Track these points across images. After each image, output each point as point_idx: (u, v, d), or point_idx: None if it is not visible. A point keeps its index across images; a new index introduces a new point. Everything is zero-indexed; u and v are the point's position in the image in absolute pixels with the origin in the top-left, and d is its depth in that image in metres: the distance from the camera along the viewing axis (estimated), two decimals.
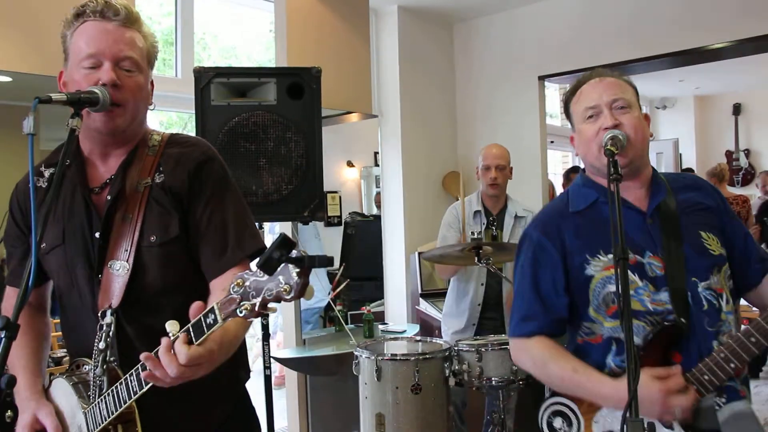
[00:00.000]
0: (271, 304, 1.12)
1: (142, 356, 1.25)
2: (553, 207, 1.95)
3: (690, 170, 8.67)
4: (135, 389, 1.34)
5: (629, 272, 1.69)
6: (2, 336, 1.15)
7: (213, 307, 1.20)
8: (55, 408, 1.54)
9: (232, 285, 1.16)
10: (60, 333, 2.77)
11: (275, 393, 3.11)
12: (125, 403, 1.37)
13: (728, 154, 9.49)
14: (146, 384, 1.31)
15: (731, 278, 1.79)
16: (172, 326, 1.25)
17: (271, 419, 2.94)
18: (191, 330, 1.23)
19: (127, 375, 1.36)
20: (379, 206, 6.16)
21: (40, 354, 1.65)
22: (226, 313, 1.18)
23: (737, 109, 9.44)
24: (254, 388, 1.81)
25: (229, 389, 1.65)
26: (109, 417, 1.41)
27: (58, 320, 1.70)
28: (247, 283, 1.14)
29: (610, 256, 1.69)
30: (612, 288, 1.73)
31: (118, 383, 1.39)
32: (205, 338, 1.23)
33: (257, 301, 1.12)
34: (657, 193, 1.80)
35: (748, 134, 9.44)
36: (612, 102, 1.75)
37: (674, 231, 1.75)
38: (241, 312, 1.14)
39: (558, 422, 1.77)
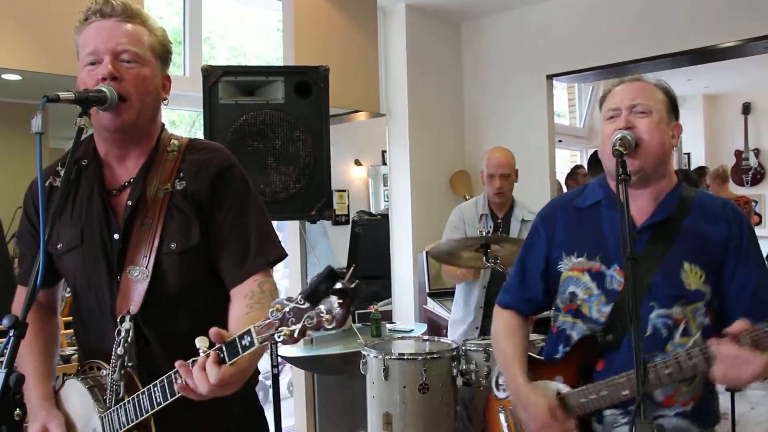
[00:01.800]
0: (309, 332, 1.13)
1: (177, 364, 1.26)
2: (566, 195, 2.05)
3: (702, 168, 8.63)
4: (158, 400, 1.35)
5: (589, 278, 1.80)
6: (11, 334, 1.15)
7: (250, 330, 1.20)
8: (65, 413, 1.54)
9: (271, 310, 1.16)
10: (69, 331, 2.79)
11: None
12: (147, 412, 1.38)
13: (737, 154, 9.43)
14: (171, 396, 1.32)
15: (708, 316, 1.74)
16: (201, 342, 1.25)
17: (279, 418, 2.95)
18: (224, 350, 1.24)
19: (150, 385, 1.36)
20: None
21: (51, 357, 1.64)
22: (263, 338, 1.19)
23: (747, 109, 9.37)
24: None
25: (242, 391, 1.65)
26: (128, 424, 1.41)
27: (66, 318, 1.70)
28: (287, 309, 1.15)
29: (581, 259, 1.82)
30: (572, 289, 1.84)
31: (139, 392, 1.39)
32: (238, 359, 1.24)
33: (297, 327, 1.14)
34: (661, 211, 1.77)
35: (757, 133, 9.37)
36: (632, 106, 1.76)
37: (657, 252, 1.74)
38: (279, 337, 1.15)
39: (503, 380, 2.05)
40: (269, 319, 1.17)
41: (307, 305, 1.12)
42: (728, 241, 1.74)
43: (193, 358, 1.26)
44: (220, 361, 1.23)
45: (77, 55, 1.53)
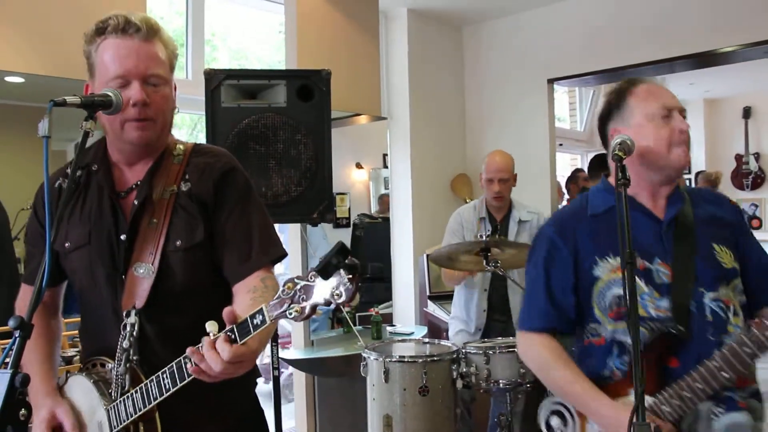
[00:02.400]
0: (320, 308, 1.16)
1: (188, 350, 1.29)
2: (572, 208, 2.01)
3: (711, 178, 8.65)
4: (168, 386, 1.38)
5: (637, 277, 1.72)
6: (16, 335, 1.17)
7: (261, 309, 1.24)
8: (71, 405, 1.57)
9: (282, 288, 1.20)
10: (71, 332, 2.81)
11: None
12: (155, 399, 1.41)
13: (738, 158, 9.44)
14: (181, 381, 1.35)
15: (743, 293, 1.79)
16: (212, 326, 1.28)
17: (279, 420, 2.96)
18: (235, 330, 1.27)
19: (159, 372, 1.39)
20: (382, 210, 6.17)
21: (54, 355, 1.68)
22: (275, 315, 1.21)
23: (747, 113, 9.38)
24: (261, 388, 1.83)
25: (243, 391, 1.68)
26: (135, 414, 1.45)
27: (68, 319, 1.72)
28: (298, 287, 1.18)
29: (618, 259, 1.76)
30: (617, 291, 1.76)
31: (147, 381, 1.43)
32: (249, 338, 1.26)
33: (307, 304, 1.17)
34: (676, 202, 1.84)
35: (758, 138, 9.38)
36: (681, 110, 1.84)
37: (688, 241, 1.78)
38: (290, 314, 1.18)
39: (555, 421, 1.83)
40: (281, 297, 1.20)
41: (316, 281, 1.15)
42: (734, 222, 1.86)
43: (204, 337, 1.29)
44: (231, 341, 1.26)
45: (90, 67, 1.56)
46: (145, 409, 1.43)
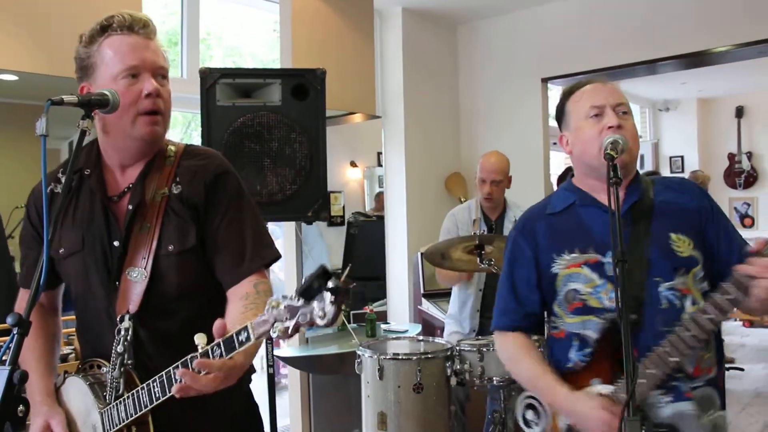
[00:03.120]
0: (302, 328, 1.17)
1: (178, 373, 1.30)
2: (535, 208, 2.04)
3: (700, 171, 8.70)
4: (157, 395, 1.38)
5: (589, 270, 1.79)
6: (14, 332, 1.18)
7: (246, 326, 1.25)
8: (65, 410, 1.57)
9: (267, 307, 1.21)
10: (67, 330, 2.81)
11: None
12: (146, 407, 1.41)
13: (731, 157, 9.50)
14: (170, 391, 1.35)
15: (706, 280, 1.79)
16: (200, 339, 1.30)
17: (274, 418, 2.97)
18: (222, 345, 1.28)
19: (150, 381, 1.39)
20: (377, 208, 6.18)
21: (52, 355, 1.68)
22: (259, 333, 1.23)
23: (740, 112, 9.44)
24: (257, 386, 1.84)
25: (236, 388, 1.67)
26: (127, 419, 1.45)
27: (64, 317, 1.73)
28: (282, 306, 1.19)
29: (574, 255, 1.81)
30: (573, 285, 1.82)
31: (139, 388, 1.43)
32: (235, 353, 1.28)
33: (291, 324, 1.18)
34: (631, 194, 1.84)
35: (750, 137, 9.43)
36: (616, 105, 1.80)
37: (642, 232, 1.79)
38: (274, 333, 1.19)
39: (530, 414, 1.88)
40: (265, 315, 1.21)
41: (301, 302, 1.15)
42: (700, 209, 1.83)
43: (192, 354, 1.30)
44: (219, 355, 1.28)
45: (88, 68, 1.55)
46: (137, 415, 1.43)
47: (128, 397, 1.45)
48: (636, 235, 1.78)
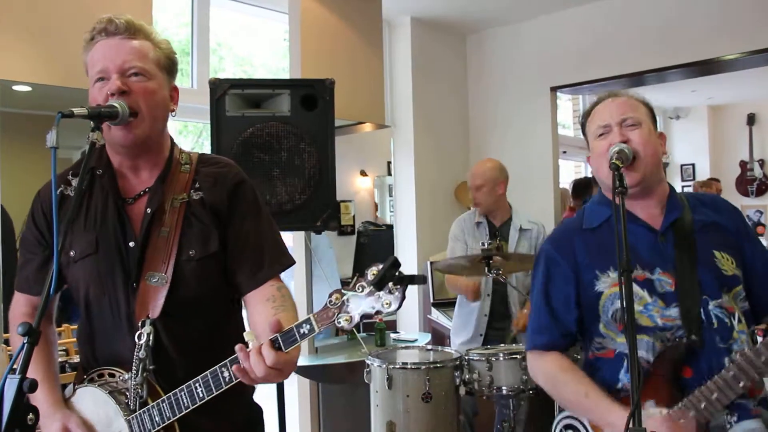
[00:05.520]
0: (376, 316, 1.23)
1: (237, 347, 1.33)
2: (568, 224, 2.02)
3: (715, 180, 8.65)
4: (201, 395, 1.41)
5: (638, 288, 1.74)
6: (24, 342, 1.19)
7: (309, 318, 1.29)
8: (82, 419, 1.56)
9: (330, 298, 1.28)
10: (71, 340, 2.80)
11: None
12: (187, 408, 1.43)
13: (742, 165, 9.43)
14: (217, 389, 1.38)
15: (746, 300, 1.79)
16: (249, 336, 1.38)
17: (284, 427, 2.97)
18: (280, 339, 1.32)
19: (191, 382, 1.41)
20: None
21: (54, 363, 1.66)
22: (324, 324, 1.28)
23: (751, 119, 9.38)
24: (265, 395, 1.84)
25: (245, 395, 1.69)
26: (162, 423, 1.45)
27: (75, 326, 1.71)
28: (345, 297, 1.26)
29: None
30: (619, 304, 1.76)
31: (177, 390, 1.43)
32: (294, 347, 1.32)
33: (357, 313, 1.25)
34: (672, 210, 1.82)
35: (762, 144, 9.37)
36: (622, 120, 1.80)
37: (688, 249, 1.77)
38: (339, 323, 1.26)
39: None
40: (328, 307, 1.28)
41: (364, 293, 1.24)
42: (737, 228, 1.83)
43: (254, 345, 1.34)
44: (277, 349, 1.31)
45: (86, 73, 1.57)
46: (174, 418, 1.44)
47: (163, 401, 1.45)
48: (682, 253, 1.77)
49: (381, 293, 1.22)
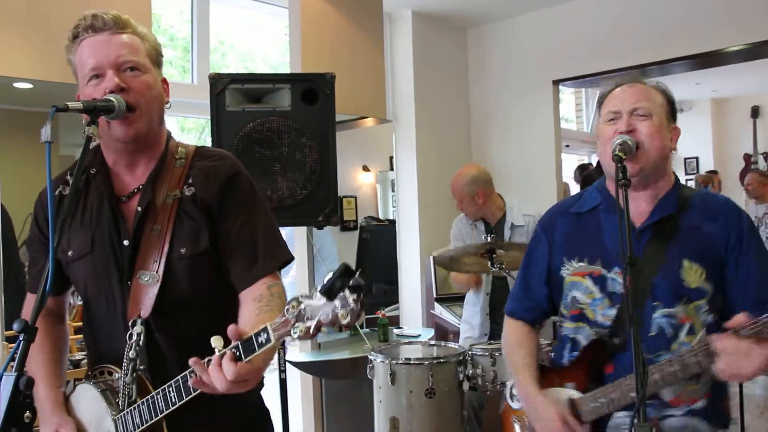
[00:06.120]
0: (324, 327, 1.16)
1: (191, 361, 1.28)
2: (560, 204, 2.07)
3: (714, 172, 8.64)
4: (173, 400, 1.37)
5: (591, 283, 1.81)
6: (21, 339, 1.18)
7: (266, 328, 1.22)
8: (76, 419, 1.56)
9: (287, 307, 1.18)
10: (79, 336, 2.81)
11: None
12: (161, 413, 1.39)
13: (746, 158, 9.40)
14: (186, 395, 1.33)
15: (711, 313, 1.74)
16: (216, 341, 1.27)
17: (287, 423, 2.96)
18: (240, 347, 1.25)
19: (165, 386, 1.38)
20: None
21: (60, 363, 1.66)
22: (279, 334, 1.20)
23: (756, 112, 9.35)
24: (269, 390, 1.83)
25: (247, 395, 1.67)
26: (142, 425, 1.43)
27: (77, 323, 1.71)
28: (302, 306, 1.17)
29: (582, 264, 1.83)
30: (575, 294, 1.85)
31: (154, 393, 1.41)
32: (254, 356, 1.25)
33: (312, 323, 1.15)
34: (660, 210, 1.79)
35: (767, 137, 9.34)
36: (633, 109, 1.77)
37: (656, 253, 1.75)
38: (295, 333, 1.17)
39: (516, 390, 2.00)
40: (285, 316, 1.19)
41: (322, 301, 1.14)
42: (728, 238, 1.75)
43: (208, 357, 1.28)
44: (236, 359, 1.25)
45: (74, 74, 1.55)
46: (152, 421, 1.41)
47: (143, 403, 1.43)
48: (648, 255, 1.75)
49: (337, 303, 1.12)
